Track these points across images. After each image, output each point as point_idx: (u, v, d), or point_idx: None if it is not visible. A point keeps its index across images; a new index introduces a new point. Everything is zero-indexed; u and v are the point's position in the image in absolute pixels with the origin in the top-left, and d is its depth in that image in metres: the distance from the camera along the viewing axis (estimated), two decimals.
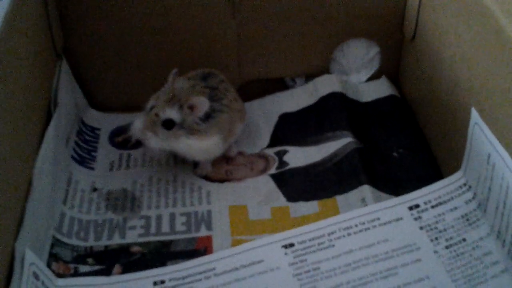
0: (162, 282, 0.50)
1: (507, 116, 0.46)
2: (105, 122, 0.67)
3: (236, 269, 0.50)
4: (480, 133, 0.49)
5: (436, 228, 0.50)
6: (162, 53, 0.66)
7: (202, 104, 0.55)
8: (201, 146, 0.57)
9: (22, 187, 0.50)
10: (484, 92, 0.49)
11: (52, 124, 0.56)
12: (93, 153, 0.63)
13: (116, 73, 0.67)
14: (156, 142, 0.56)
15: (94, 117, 0.67)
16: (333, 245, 0.51)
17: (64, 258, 0.52)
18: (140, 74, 0.67)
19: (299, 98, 0.67)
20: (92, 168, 0.61)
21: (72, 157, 0.61)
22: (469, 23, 0.51)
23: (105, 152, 0.63)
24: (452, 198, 0.52)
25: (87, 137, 0.64)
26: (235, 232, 0.55)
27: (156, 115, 0.55)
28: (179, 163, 0.62)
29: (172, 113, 0.55)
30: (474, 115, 0.50)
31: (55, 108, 0.58)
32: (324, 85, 0.67)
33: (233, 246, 0.53)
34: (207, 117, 0.56)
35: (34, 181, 0.50)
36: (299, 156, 0.61)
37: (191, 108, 0.55)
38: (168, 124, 0.55)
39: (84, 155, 0.62)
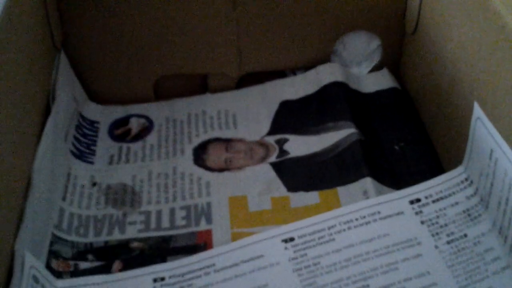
0: (162, 279, 0.50)
1: (510, 111, 0.45)
2: (104, 115, 0.66)
3: (236, 264, 0.50)
4: (483, 128, 0.48)
5: (437, 223, 0.50)
6: (161, 45, 0.65)
7: None
8: None
9: (21, 183, 0.49)
10: (487, 87, 0.48)
11: (51, 119, 0.55)
12: (92, 147, 0.62)
13: (115, 65, 0.66)
14: None
15: (93, 110, 0.66)
16: (334, 239, 0.50)
17: (64, 255, 0.52)
18: (139, 66, 0.66)
19: (300, 85, 0.66)
20: (91, 163, 0.61)
21: (71, 151, 0.60)
22: (471, 17, 0.50)
23: (104, 145, 0.63)
24: (453, 193, 0.51)
25: (86, 131, 0.64)
26: (235, 224, 0.54)
27: None
28: (178, 154, 0.62)
29: None
30: (477, 109, 0.49)
31: (54, 102, 0.57)
32: (326, 74, 0.66)
33: (233, 240, 0.53)
34: None
35: (34, 177, 0.50)
36: (300, 145, 0.61)
37: None
38: None
39: (83, 149, 0.62)
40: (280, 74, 0.69)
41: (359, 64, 0.68)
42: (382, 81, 0.67)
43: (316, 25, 0.65)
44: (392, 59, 0.68)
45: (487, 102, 0.48)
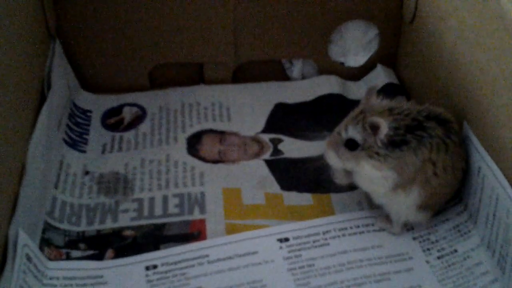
0: (155, 266, 0.50)
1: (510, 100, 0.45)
2: (97, 104, 0.66)
3: (230, 258, 0.51)
4: (471, 147, 0.51)
5: (428, 239, 0.52)
6: (157, 34, 0.65)
7: (382, 125, 0.48)
8: (372, 175, 0.50)
9: (16, 171, 0.49)
10: (485, 78, 0.49)
11: (45, 108, 0.55)
12: (85, 136, 0.62)
13: (109, 54, 0.65)
14: (336, 161, 0.51)
15: (86, 99, 0.66)
16: (328, 244, 0.52)
17: (56, 243, 0.52)
18: (134, 54, 0.65)
19: (295, 92, 0.67)
20: (84, 151, 0.61)
21: (64, 140, 0.60)
22: (471, 6, 0.50)
23: (97, 134, 0.63)
24: (444, 210, 0.53)
25: (79, 120, 0.64)
26: (229, 216, 0.55)
27: (338, 134, 0.50)
28: (171, 142, 0.62)
29: (354, 132, 0.49)
30: (466, 128, 0.51)
31: (49, 91, 0.57)
32: (323, 86, 0.67)
33: (227, 231, 0.53)
34: (393, 145, 0.48)
35: (28, 165, 0.50)
36: (295, 148, 0.62)
37: (373, 128, 0.48)
38: (351, 145, 0.49)
39: (75, 138, 0.62)
40: (277, 63, 0.69)
41: (356, 53, 0.68)
42: (377, 81, 0.67)
43: (313, 14, 0.65)
44: (389, 50, 0.68)
45: (487, 94, 0.48)
